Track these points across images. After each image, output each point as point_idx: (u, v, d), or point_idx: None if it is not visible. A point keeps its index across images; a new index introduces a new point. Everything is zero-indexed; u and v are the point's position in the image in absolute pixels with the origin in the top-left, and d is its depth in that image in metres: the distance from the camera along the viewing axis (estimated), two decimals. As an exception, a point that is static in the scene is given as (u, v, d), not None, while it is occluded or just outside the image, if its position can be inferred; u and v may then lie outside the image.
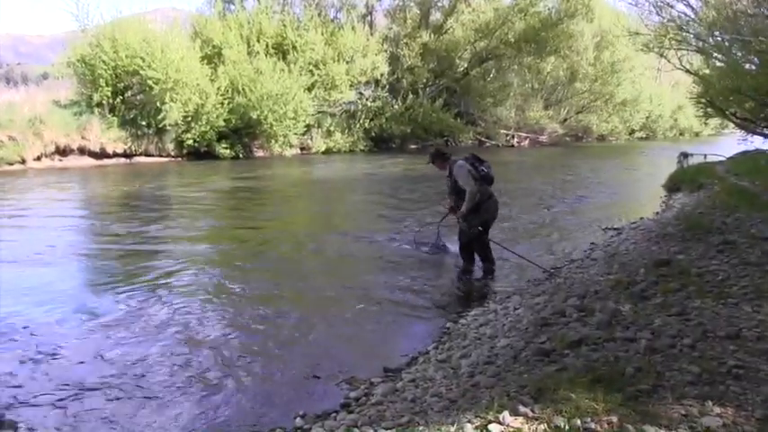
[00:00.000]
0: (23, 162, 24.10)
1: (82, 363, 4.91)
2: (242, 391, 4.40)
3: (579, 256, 8.05)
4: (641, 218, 10.86)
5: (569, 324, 4.55)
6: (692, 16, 22.09)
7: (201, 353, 5.07)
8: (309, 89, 31.54)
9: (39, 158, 24.84)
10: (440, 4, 40.65)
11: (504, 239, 9.55)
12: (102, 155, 26.40)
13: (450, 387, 3.87)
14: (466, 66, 40.26)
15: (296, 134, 31.10)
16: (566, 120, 48.79)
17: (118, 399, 4.29)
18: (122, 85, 27.00)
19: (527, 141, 43.82)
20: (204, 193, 16.54)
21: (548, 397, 3.20)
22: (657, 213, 11.42)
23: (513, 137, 42.97)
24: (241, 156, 29.54)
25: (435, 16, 40.78)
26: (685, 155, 21.30)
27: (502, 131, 42.33)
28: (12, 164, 23.68)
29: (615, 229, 10.02)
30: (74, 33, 28.68)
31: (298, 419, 3.94)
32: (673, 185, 15.57)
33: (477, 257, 7.51)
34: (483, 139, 41.28)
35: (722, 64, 23.04)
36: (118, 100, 26.80)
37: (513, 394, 3.39)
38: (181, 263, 8.20)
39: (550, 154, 35.22)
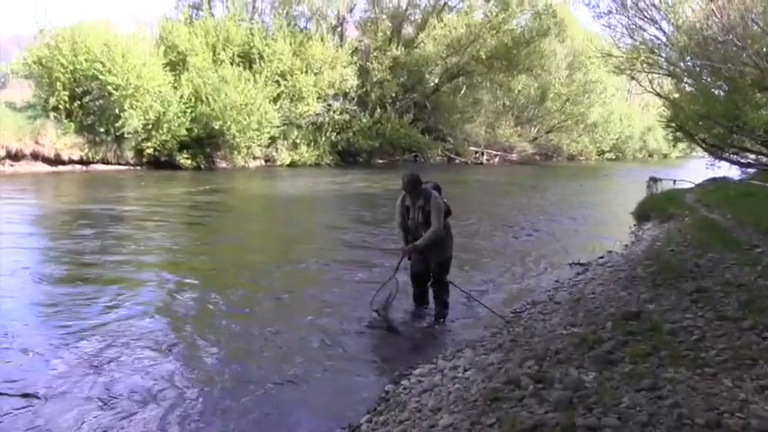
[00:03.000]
0: (-31, 167, 23.02)
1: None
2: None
3: (542, 298, 7.41)
4: (609, 251, 10.31)
5: (523, 401, 3.88)
6: (664, 40, 21.94)
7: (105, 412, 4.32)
8: (275, 100, 30.82)
9: (-13, 163, 23.77)
10: (412, 18, 40.33)
11: (466, 271, 8.98)
12: (56, 161, 25.46)
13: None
14: (436, 81, 39.92)
15: (260, 146, 30.36)
16: (536, 138, 48.70)
17: None
18: (81, 89, 26.09)
19: (497, 159, 43.57)
20: (160, 208, 15.63)
21: None
22: (626, 246, 10.89)
23: (482, 154, 42.66)
24: (203, 166, 28.75)
25: (407, 30, 40.41)
26: (654, 180, 20.99)
27: (471, 148, 42.00)
28: (-43, 168, 22.61)
29: (582, 264, 9.42)
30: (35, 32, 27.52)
31: None
32: (642, 213, 15.12)
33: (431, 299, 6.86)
34: (452, 155, 40.88)
35: (692, 89, 22.91)
36: (75, 105, 25.88)
37: None
38: (115, 291, 7.56)
39: (520, 173, 34.90)
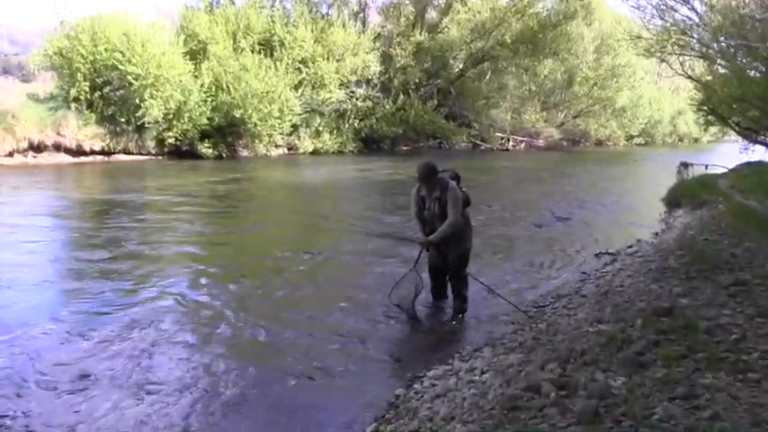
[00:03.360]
0: (-7, 158, 23.08)
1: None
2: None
3: (567, 291, 7.01)
4: (638, 240, 9.82)
5: (544, 410, 3.50)
6: (696, 21, 21.12)
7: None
8: (296, 87, 30.45)
9: (10, 155, 23.84)
10: (435, 3, 39.65)
11: (489, 261, 8.60)
12: (78, 152, 25.39)
13: None
14: (461, 66, 39.19)
15: (281, 134, 30.02)
16: (563, 124, 47.75)
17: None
18: (101, 80, 25.94)
19: (523, 145, 42.79)
20: (183, 198, 15.48)
21: None
22: (657, 235, 10.39)
23: (508, 140, 41.89)
24: (224, 155, 28.51)
25: (430, 15, 39.75)
26: (685, 165, 20.29)
27: (497, 135, 41.24)
28: (-21, 160, 22.66)
29: (610, 254, 8.98)
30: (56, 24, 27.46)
31: None
32: (673, 199, 14.52)
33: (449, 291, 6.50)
34: (477, 142, 40.22)
35: (726, 71, 22.08)
36: (96, 95, 25.73)
37: None
38: (144, 281, 7.66)
39: (546, 159, 34.20)
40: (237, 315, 6.39)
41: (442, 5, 39.61)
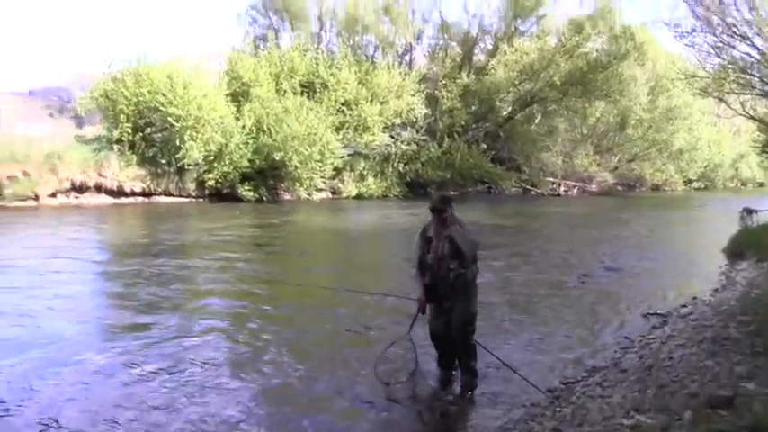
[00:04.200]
0: (37, 198, 23.37)
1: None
2: None
3: (605, 362, 5.92)
4: (694, 298, 8.61)
5: None
6: (757, 57, 19.79)
7: None
8: (338, 130, 30.02)
9: (53, 195, 24.09)
10: (482, 45, 39.05)
11: (521, 317, 7.57)
12: (119, 193, 25.44)
13: None
14: (510, 109, 38.27)
15: (323, 178, 29.46)
16: (617, 168, 46.01)
17: None
18: (143, 121, 26.02)
19: (575, 190, 41.31)
20: (223, 240, 15.45)
21: None
22: (716, 291, 9.13)
23: (559, 185, 40.50)
24: (265, 199, 28.11)
25: (477, 57, 39.11)
26: (749, 211, 18.69)
27: (548, 179, 39.94)
28: (24, 199, 22.88)
29: (660, 314, 7.79)
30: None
31: None
32: (735, 250, 13.12)
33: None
34: (527, 187, 38.99)
35: (792, 110, 20.62)
36: (138, 137, 25.77)
37: None
38: (186, 318, 7.82)
39: (599, 204, 32.71)
40: (276, 356, 6.26)
41: (489, 47, 38.97)
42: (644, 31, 39.27)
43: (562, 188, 40.62)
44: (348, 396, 5.20)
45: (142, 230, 18.16)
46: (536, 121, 39.91)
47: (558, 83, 35.70)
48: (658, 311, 7.99)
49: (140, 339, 6.73)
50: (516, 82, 37.13)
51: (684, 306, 8.12)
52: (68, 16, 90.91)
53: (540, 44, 36.90)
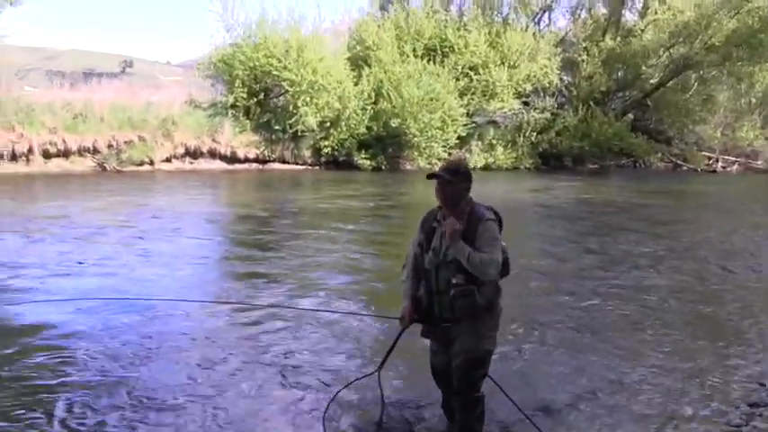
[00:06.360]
0: (152, 163, 23.33)
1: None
2: None
3: None
4: None
5: None
6: None
7: None
8: (462, 95, 27.92)
9: (168, 160, 24.05)
10: (630, 3, 35.13)
11: (602, 335, 5.48)
12: (233, 159, 25.06)
13: None
14: (660, 75, 34.15)
15: (445, 147, 27.50)
16: (789, 143, 40.35)
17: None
18: (258, 86, 25.35)
19: (735, 167, 36.52)
20: (337, 209, 15.21)
21: None
22: None
23: (716, 160, 35.93)
24: (383, 167, 26.63)
25: (624, 17, 35.25)
26: None
27: (702, 154, 35.54)
28: (140, 164, 22.90)
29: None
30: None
31: None
32: None
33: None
34: (678, 162, 34.90)
35: None
36: (253, 102, 25.17)
37: None
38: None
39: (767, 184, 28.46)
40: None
41: (639, 7, 35.02)
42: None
43: (719, 164, 36.01)
44: None
45: (258, 195, 18.39)
46: (692, 89, 35.44)
47: (719, 44, 31.27)
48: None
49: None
50: (668, 45, 33.00)
51: None
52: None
53: (699, 0, 32.43)
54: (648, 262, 9.58)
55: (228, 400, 4.35)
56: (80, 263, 8.61)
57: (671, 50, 33.00)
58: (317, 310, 6.36)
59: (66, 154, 21.81)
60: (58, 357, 5.15)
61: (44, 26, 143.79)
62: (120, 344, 5.48)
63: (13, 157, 20.80)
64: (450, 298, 3.44)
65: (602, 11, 34.50)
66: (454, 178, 3.46)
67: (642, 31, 33.65)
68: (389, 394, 4.16)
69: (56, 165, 21.57)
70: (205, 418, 4.09)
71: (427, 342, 3.74)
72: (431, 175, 3.54)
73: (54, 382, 4.66)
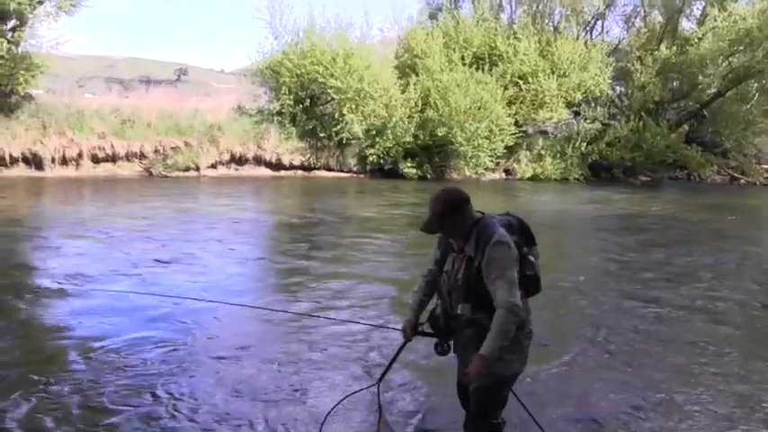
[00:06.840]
0: (197, 169, 23.48)
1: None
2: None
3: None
4: None
5: None
6: None
7: None
8: (510, 104, 27.46)
9: (213, 166, 24.19)
10: (688, 11, 34.00)
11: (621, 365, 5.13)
12: (278, 166, 25.10)
13: None
14: (718, 84, 32.91)
15: (491, 157, 27.04)
16: None
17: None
18: (305, 93, 25.39)
19: (797, 181, 35.00)
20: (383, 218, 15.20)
21: None
22: None
23: (777, 174, 34.51)
24: (429, 176, 26.28)
25: (680, 25, 34.14)
26: None
27: (762, 167, 34.19)
28: (186, 170, 23.06)
29: None
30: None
31: None
32: None
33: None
34: (735, 175, 33.63)
35: None
36: (299, 109, 25.21)
37: None
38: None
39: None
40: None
41: (697, 14, 33.89)
42: None
43: (781, 178, 34.57)
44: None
45: (302, 202, 18.53)
46: (752, 99, 34.04)
47: (784, 51, 29.98)
48: None
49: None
50: (728, 53, 31.80)
51: None
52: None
53: (764, 5, 31.03)
54: (713, 275, 9.27)
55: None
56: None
57: (731, 59, 31.79)
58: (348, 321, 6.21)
59: (113, 159, 22.17)
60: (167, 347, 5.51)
61: (103, 34, 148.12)
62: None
63: (64, 162, 21.20)
64: (460, 324, 3.19)
65: (657, 19, 33.51)
66: (441, 221, 3.14)
67: (700, 39, 32.45)
68: (387, 407, 4.03)
69: (103, 169, 21.94)
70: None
71: (429, 355, 3.53)
72: (431, 221, 3.18)
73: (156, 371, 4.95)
